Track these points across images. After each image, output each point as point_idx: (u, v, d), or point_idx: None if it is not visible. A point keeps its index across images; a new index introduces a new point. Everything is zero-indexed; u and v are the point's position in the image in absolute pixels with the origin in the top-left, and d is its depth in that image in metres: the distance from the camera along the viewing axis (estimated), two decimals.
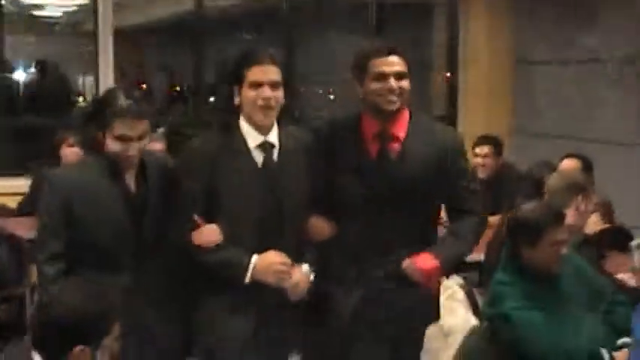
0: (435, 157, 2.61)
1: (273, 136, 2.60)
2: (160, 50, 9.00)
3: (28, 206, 4.59)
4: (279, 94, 2.56)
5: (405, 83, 2.58)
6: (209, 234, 2.50)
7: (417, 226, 2.65)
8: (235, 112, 2.58)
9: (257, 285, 2.50)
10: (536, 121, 6.07)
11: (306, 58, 7.02)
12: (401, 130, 2.64)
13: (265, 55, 2.55)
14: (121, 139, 2.46)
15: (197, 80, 6.51)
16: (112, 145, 2.47)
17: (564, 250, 2.75)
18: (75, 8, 7.10)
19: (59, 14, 7.22)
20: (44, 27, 7.46)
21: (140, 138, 2.49)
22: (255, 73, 2.51)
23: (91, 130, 2.59)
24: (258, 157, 2.58)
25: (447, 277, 3.30)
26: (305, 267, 2.60)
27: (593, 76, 5.49)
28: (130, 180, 2.59)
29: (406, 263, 2.54)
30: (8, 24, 6.21)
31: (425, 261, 2.55)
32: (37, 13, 7.29)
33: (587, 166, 4.04)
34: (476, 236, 2.74)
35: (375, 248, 2.61)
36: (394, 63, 2.58)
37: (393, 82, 2.56)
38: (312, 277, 2.60)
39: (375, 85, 2.57)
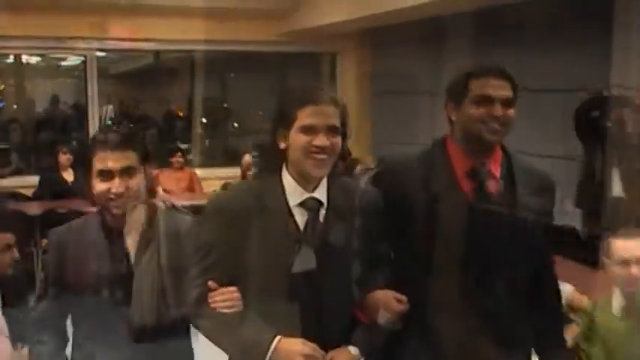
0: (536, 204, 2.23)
1: (322, 192, 2.13)
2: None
3: (37, 195, 6.78)
4: (337, 141, 2.08)
5: (512, 112, 2.15)
6: (228, 297, 2.06)
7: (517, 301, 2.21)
8: (278, 159, 2.11)
9: None
10: None
11: None
12: (496, 166, 2.23)
13: (325, 95, 2.09)
14: (102, 175, 2.13)
15: None
16: (97, 187, 2.13)
17: None
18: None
19: (77, 62, 9.05)
20: (58, 71, 9.83)
21: (125, 172, 2.13)
22: (309, 115, 2.04)
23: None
24: (300, 218, 2.10)
25: None
26: (352, 349, 2.13)
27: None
28: (133, 241, 2.22)
29: None
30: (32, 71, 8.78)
31: None
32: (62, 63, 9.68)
33: None
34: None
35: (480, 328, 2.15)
36: (502, 86, 2.16)
37: (499, 108, 2.14)
38: None
39: (475, 111, 2.15)
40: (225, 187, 7.05)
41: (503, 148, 2.25)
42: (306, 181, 2.11)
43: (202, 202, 5.54)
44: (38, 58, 9.26)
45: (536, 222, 2.21)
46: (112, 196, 2.14)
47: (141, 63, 9.84)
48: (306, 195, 2.11)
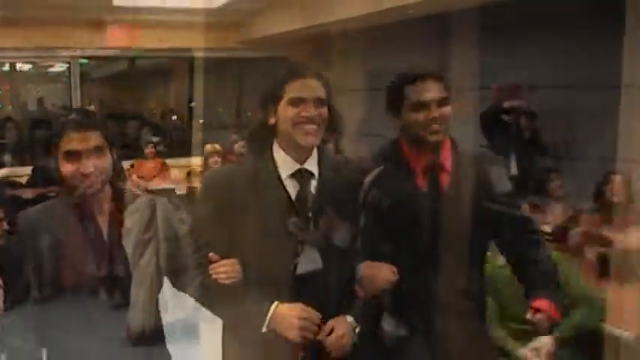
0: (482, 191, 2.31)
1: (312, 164, 2.15)
2: None
3: (30, 183, 7.63)
4: (324, 111, 2.10)
5: (448, 110, 2.25)
6: (229, 268, 2.06)
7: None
8: (269, 134, 2.14)
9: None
10: None
11: None
12: (447, 159, 2.33)
13: (309, 69, 2.15)
14: (70, 156, 2.03)
15: None
16: (65, 169, 2.04)
17: None
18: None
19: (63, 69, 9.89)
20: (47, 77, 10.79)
21: (92, 152, 2.04)
22: (296, 88, 2.09)
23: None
24: (292, 189, 2.12)
25: None
26: (348, 319, 2.15)
27: None
28: (104, 220, 2.12)
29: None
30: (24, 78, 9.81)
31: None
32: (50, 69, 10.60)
33: None
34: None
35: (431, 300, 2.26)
36: (435, 89, 2.26)
37: (435, 110, 2.23)
38: (357, 330, 2.15)
39: (414, 116, 2.25)
40: (189, 174, 7.81)
41: (451, 139, 2.36)
42: (296, 152, 2.14)
43: (170, 186, 6.18)
44: (30, 66, 10.20)
45: (485, 206, 2.29)
46: (81, 177, 2.06)
47: (120, 68, 10.64)
48: (297, 166, 2.15)
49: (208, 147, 7.32)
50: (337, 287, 2.17)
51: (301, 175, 2.16)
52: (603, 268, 4.41)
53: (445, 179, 2.34)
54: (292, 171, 2.16)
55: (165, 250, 2.14)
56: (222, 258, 2.10)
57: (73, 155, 2.08)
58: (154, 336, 2.15)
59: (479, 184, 2.33)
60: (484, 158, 2.48)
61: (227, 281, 2.08)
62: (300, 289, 2.09)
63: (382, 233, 2.26)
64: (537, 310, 2.27)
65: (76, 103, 8.80)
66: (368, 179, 2.30)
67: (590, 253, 4.60)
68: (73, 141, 2.08)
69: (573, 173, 5.53)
